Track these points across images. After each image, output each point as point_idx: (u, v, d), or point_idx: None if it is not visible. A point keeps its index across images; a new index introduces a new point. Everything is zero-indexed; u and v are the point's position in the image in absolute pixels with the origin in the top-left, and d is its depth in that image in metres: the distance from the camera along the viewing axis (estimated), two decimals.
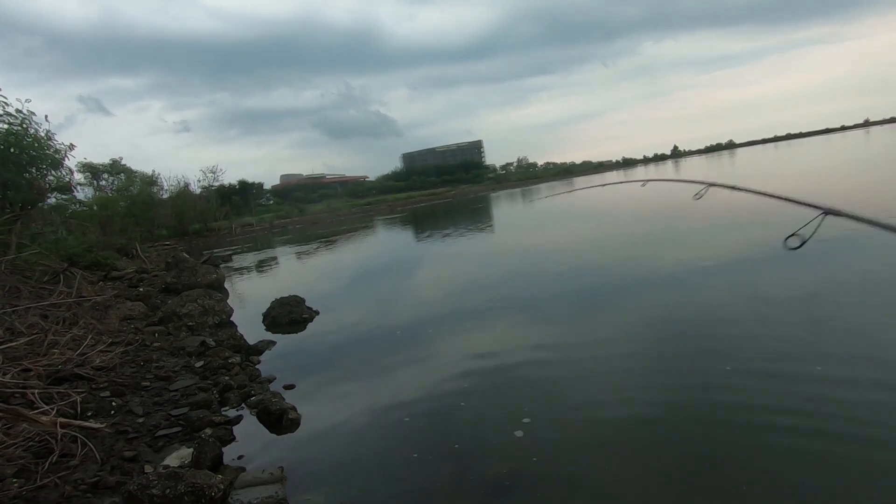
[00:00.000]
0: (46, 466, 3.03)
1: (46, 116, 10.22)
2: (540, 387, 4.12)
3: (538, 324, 5.95)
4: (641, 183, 4.63)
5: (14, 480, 2.85)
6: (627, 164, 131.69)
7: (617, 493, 2.70)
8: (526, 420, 3.51)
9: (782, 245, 1.72)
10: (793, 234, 1.66)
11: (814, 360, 3.84)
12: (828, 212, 1.72)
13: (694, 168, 48.51)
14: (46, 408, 3.60)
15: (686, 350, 4.45)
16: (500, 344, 5.28)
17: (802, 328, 4.52)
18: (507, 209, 30.48)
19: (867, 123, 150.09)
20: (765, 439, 2.93)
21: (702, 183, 2.95)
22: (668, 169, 58.18)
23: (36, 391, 3.82)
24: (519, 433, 3.37)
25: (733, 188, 2.84)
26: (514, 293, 7.41)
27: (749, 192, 2.59)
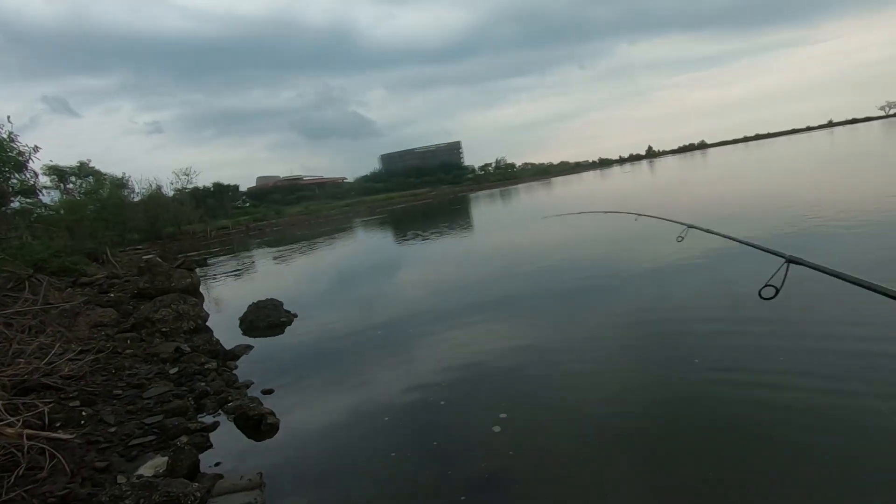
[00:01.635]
0: (12, 480, 2.91)
1: (9, 117, 9.86)
2: (516, 383, 4.17)
3: (515, 322, 6.00)
4: (634, 217, 5.27)
5: None
6: (604, 164, 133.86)
7: (592, 483, 2.75)
8: (503, 415, 3.56)
9: (757, 296, 1.78)
10: (766, 286, 1.72)
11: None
12: (790, 260, 1.79)
13: (668, 168, 49.58)
14: (12, 419, 3.46)
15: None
16: (477, 342, 5.32)
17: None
18: (493, 214, 30.61)
19: (830, 124, 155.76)
20: (740, 431, 3.01)
21: (682, 224, 3.56)
22: (643, 169, 59.29)
23: (0, 402, 3.67)
24: (497, 428, 3.41)
25: (709, 231, 3.16)
26: (492, 293, 7.45)
27: (723, 237, 2.87)
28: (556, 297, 6.74)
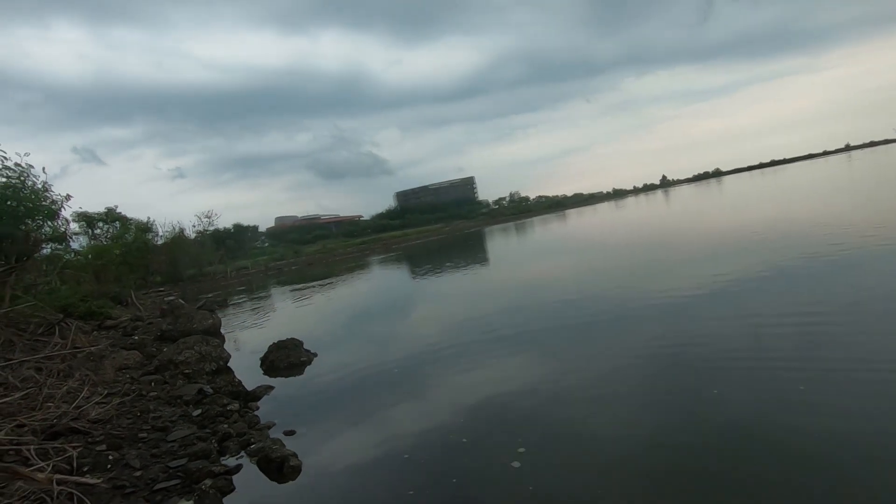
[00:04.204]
0: None
1: (44, 168, 10.38)
2: (534, 418, 4.15)
3: (531, 357, 5.94)
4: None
5: None
6: (618, 194, 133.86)
7: None
8: (522, 450, 3.56)
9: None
10: None
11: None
12: None
13: (684, 197, 49.38)
14: (42, 464, 3.53)
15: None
16: (493, 378, 5.32)
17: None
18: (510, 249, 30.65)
19: (848, 148, 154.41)
20: (760, 469, 2.92)
21: None
22: (658, 198, 59.13)
23: (31, 447, 3.75)
24: (516, 464, 3.40)
25: None
26: (508, 328, 7.41)
27: None
28: (573, 331, 6.68)
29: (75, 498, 3.23)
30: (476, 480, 3.33)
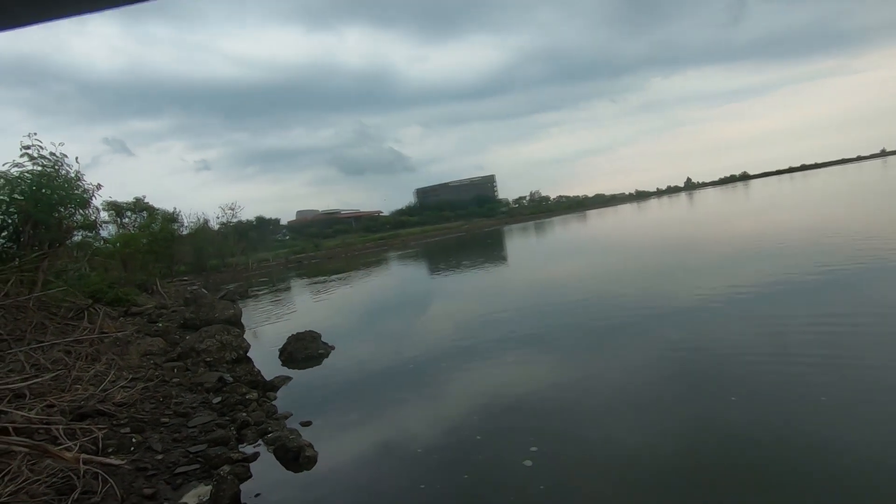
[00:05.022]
0: (69, 503, 3.05)
1: (77, 158, 10.68)
2: (548, 418, 4.14)
3: (547, 357, 5.91)
4: None
5: None
6: (641, 196, 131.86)
7: None
8: (534, 449, 3.56)
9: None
10: None
11: None
12: None
13: (708, 200, 48.37)
14: (70, 444, 3.66)
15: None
16: (508, 377, 5.31)
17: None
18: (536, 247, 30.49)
19: (884, 153, 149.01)
20: (775, 478, 2.86)
21: None
22: (681, 201, 58.06)
23: (60, 427, 3.89)
24: (528, 462, 3.41)
25: None
26: (525, 327, 7.38)
27: None
28: (591, 333, 6.62)
29: (100, 477, 3.34)
30: (487, 477, 3.35)
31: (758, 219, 20.35)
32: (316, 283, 22.85)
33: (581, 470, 3.28)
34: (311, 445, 4.06)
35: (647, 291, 8.73)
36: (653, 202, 74.67)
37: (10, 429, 3.69)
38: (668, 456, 3.28)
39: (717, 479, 2.96)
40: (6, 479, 3.09)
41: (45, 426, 3.91)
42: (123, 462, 3.67)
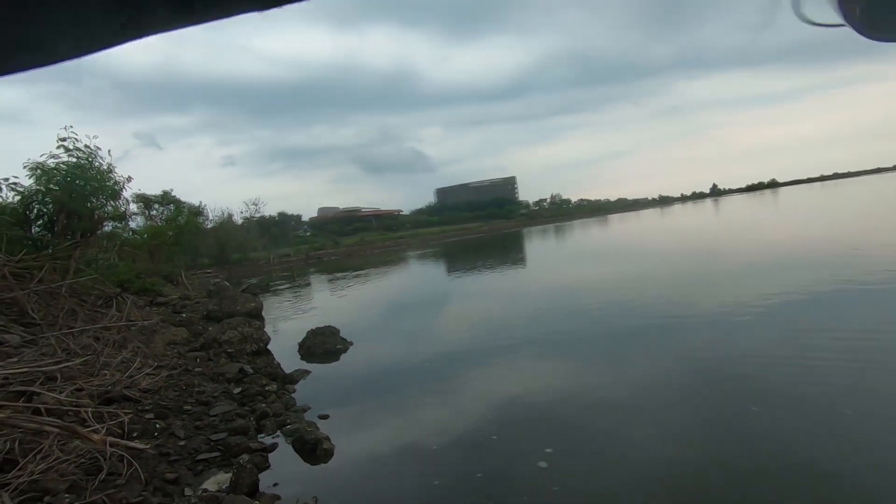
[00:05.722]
0: (95, 484, 3.16)
1: (109, 151, 11.02)
2: (564, 421, 4.12)
3: (564, 361, 5.86)
4: None
5: (66, 496, 2.98)
6: (664, 202, 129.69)
7: None
8: (549, 450, 3.54)
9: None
10: None
11: None
12: None
13: (734, 207, 47.33)
14: (97, 426, 3.77)
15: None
16: (525, 379, 5.29)
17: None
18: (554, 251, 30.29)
19: None
20: (789, 488, 2.78)
21: None
22: (706, 207, 56.93)
23: (88, 410, 4.01)
24: (542, 464, 3.39)
25: None
26: (543, 331, 7.34)
27: None
28: (610, 338, 6.54)
29: (125, 460, 3.44)
30: (501, 477, 3.36)
31: (786, 228, 19.84)
32: (335, 279, 23.09)
33: (596, 474, 3.26)
34: (328, 438, 4.12)
35: (668, 299, 8.59)
36: (676, 208, 73.38)
37: (43, 409, 3.83)
38: (683, 464, 3.23)
39: (732, 490, 2.90)
40: (38, 457, 3.21)
41: (74, 409, 4.04)
42: (148, 446, 3.77)
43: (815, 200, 37.44)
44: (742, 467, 3.12)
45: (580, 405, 4.42)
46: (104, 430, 3.79)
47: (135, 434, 4.08)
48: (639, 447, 3.54)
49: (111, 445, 3.50)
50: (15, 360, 4.70)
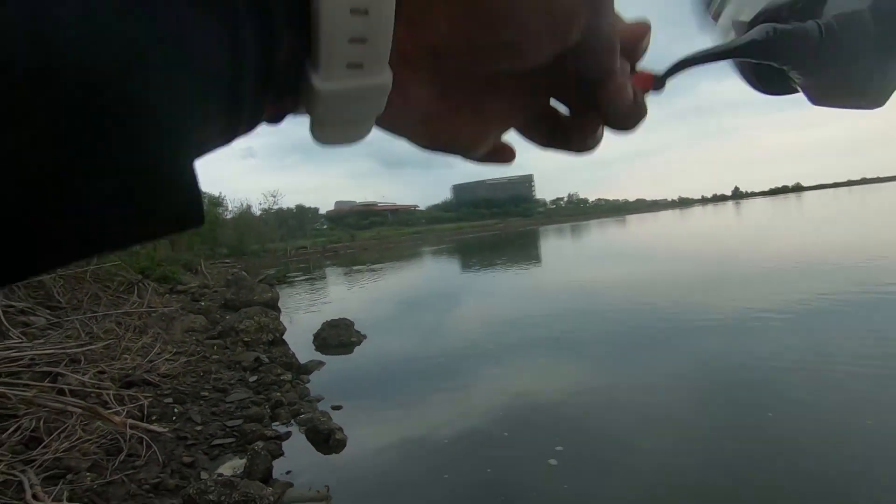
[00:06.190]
0: (115, 464, 3.25)
1: None
2: (577, 420, 4.09)
3: (579, 360, 5.83)
4: None
5: (87, 474, 3.08)
6: (684, 203, 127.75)
7: None
8: (559, 448, 3.53)
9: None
10: None
11: None
12: None
13: (756, 210, 46.42)
14: (118, 408, 3.88)
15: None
16: (539, 377, 5.26)
17: None
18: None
19: None
20: (803, 496, 2.74)
21: None
22: (727, 210, 55.93)
23: (110, 392, 4.13)
24: (553, 461, 3.38)
25: None
26: (558, 329, 7.31)
27: None
28: (626, 340, 6.49)
29: (144, 442, 3.54)
30: (511, 472, 3.37)
31: (809, 232, 19.40)
32: (351, 272, 23.29)
33: (606, 474, 3.24)
34: (340, 429, 4.16)
35: (687, 302, 8.48)
36: (696, 210, 72.24)
37: (67, 390, 3.95)
38: (694, 469, 3.20)
39: (744, 495, 2.87)
40: (62, 436, 3.31)
41: (96, 391, 4.16)
42: (166, 430, 3.87)
43: (840, 205, 36.53)
44: (754, 472, 3.08)
45: (592, 406, 4.40)
46: (125, 413, 3.89)
47: (154, 417, 4.18)
48: (651, 449, 3.51)
49: (131, 427, 3.60)
50: (41, 341, 4.85)
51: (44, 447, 3.20)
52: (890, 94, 0.38)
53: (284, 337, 8.32)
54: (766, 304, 7.34)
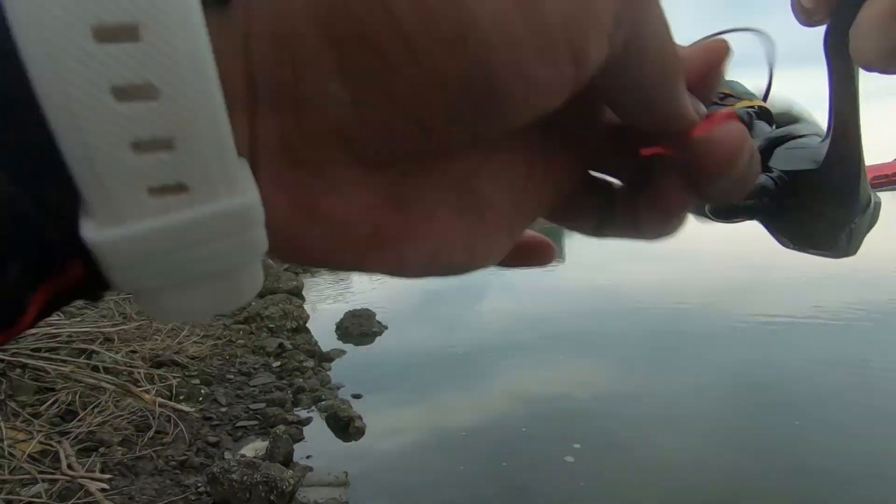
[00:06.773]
0: (145, 440, 3.39)
1: None
2: (596, 418, 4.05)
3: (601, 359, 5.77)
4: None
5: (119, 448, 3.22)
6: None
7: None
8: (577, 446, 3.53)
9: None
10: None
11: None
12: None
13: None
14: (148, 387, 4.03)
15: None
16: (558, 374, 5.23)
17: None
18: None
19: None
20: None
21: None
22: None
23: (141, 371, 4.29)
24: (570, 458, 3.38)
25: None
26: (581, 327, 7.23)
27: None
28: (651, 341, 6.38)
29: (172, 420, 3.67)
30: (527, 466, 3.37)
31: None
32: None
33: (623, 473, 3.22)
34: (360, 417, 4.23)
35: (715, 305, 8.28)
36: None
37: (101, 367, 4.12)
38: (714, 473, 3.14)
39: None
40: (95, 410, 3.46)
41: (128, 369, 4.33)
42: (193, 410, 4.00)
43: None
44: (776, 479, 3.01)
45: (612, 405, 4.36)
46: (154, 391, 4.05)
47: (181, 397, 4.32)
48: (670, 453, 3.46)
49: (160, 406, 3.74)
50: (78, 319, 5.06)
51: (79, 420, 3.36)
52: (858, 246, 0.38)
53: (308, 325, 8.46)
54: (798, 310, 7.11)
